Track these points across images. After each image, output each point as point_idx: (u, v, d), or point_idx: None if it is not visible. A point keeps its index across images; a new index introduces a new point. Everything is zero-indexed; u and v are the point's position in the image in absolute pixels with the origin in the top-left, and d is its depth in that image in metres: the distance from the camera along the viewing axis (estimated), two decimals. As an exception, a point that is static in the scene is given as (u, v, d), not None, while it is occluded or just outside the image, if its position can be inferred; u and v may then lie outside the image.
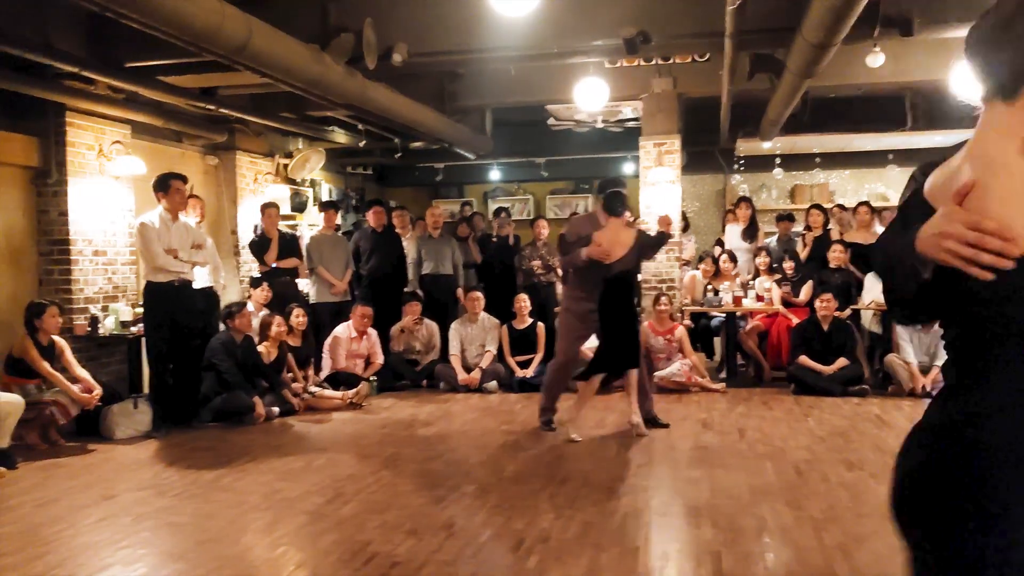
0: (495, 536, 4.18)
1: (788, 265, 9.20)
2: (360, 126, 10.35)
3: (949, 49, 7.86)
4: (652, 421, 6.71)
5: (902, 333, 8.05)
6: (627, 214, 6.82)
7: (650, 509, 4.66)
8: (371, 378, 8.46)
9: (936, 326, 7.85)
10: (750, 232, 9.94)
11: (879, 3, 5.80)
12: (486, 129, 11.07)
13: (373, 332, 8.73)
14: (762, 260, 9.37)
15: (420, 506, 4.71)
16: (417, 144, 10.93)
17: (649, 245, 6.73)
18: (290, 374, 7.99)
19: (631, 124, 10.87)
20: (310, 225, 10.84)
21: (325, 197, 11.50)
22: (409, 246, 9.96)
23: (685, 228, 10.52)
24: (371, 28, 6.54)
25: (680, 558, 3.93)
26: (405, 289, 9.63)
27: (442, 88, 9.48)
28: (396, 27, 6.84)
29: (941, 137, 10.70)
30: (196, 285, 7.42)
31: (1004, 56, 1.45)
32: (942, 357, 6.85)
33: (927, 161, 1.65)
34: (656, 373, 8.40)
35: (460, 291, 9.64)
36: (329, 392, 8.01)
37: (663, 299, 8.72)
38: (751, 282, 9.32)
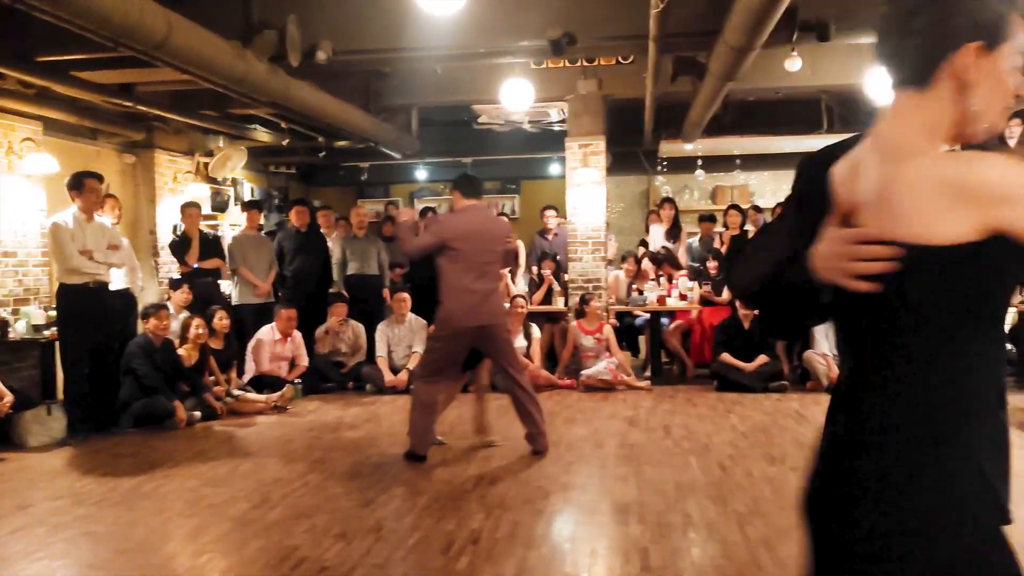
0: (425, 538, 4.16)
1: (711, 265, 9.39)
2: (283, 124, 10.19)
3: (863, 54, 8.13)
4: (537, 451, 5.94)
5: (819, 328, 8.28)
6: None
7: (579, 507, 4.70)
8: (296, 381, 8.34)
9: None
10: (673, 232, 10.11)
11: (797, 9, 5.96)
12: (412, 128, 11.02)
13: (297, 334, 8.61)
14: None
15: (349, 509, 4.67)
16: (342, 143, 10.82)
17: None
18: (212, 377, 7.82)
19: (557, 126, 10.95)
20: (232, 225, 10.64)
21: (247, 196, 11.30)
22: (334, 246, 9.85)
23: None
24: (295, 25, 6.44)
25: (608, 555, 3.98)
26: (330, 290, 9.52)
27: (368, 87, 9.40)
28: (321, 25, 6.76)
29: (855, 140, 11.04)
30: (113, 287, 7.20)
31: (914, 43, 1.45)
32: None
33: (808, 153, 1.68)
34: (583, 372, 8.51)
35: (386, 292, 9.58)
36: (252, 395, 7.86)
37: (590, 298, 8.83)
38: (676, 281, 9.48)
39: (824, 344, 8.23)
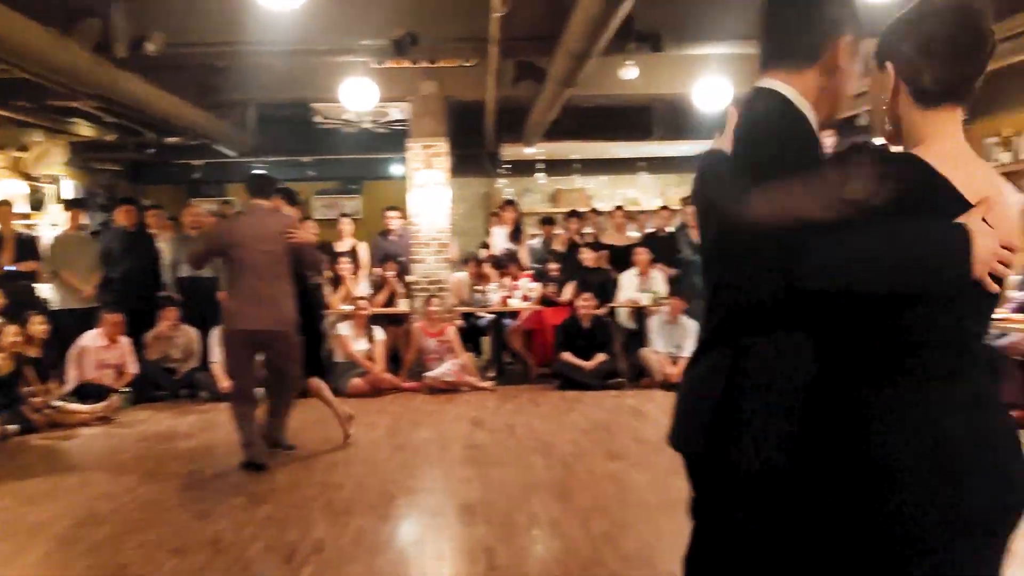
0: (266, 549, 4.03)
1: (552, 267, 9.57)
2: (108, 118, 9.63)
3: (692, 65, 8.51)
4: (278, 444, 5.96)
5: (654, 326, 8.63)
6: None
7: (425, 510, 4.69)
8: (123, 389, 7.91)
9: (682, 318, 8.44)
10: (515, 234, 10.25)
11: (633, 19, 6.17)
12: (249, 125, 10.66)
13: (125, 340, 8.15)
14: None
15: (184, 522, 4.46)
16: (174, 139, 10.33)
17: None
18: (29, 388, 7.28)
19: (400, 126, 10.87)
20: (52, 225, 9.95)
21: (68, 195, 10.60)
22: (165, 247, 9.40)
23: None
24: (122, 14, 6.10)
25: (455, 556, 3.98)
26: (161, 293, 9.08)
27: (203, 81, 9.01)
28: (152, 15, 6.45)
29: (685, 146, 11.58)
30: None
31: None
32: (689, 349, 7.35)
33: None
34: (427, 373, 8.49)
35: (223, 294, 9.21)
36: (75, 406, 7.37)
37: (435, 300, 8.82)
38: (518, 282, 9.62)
39: (659, 342, 8.56)
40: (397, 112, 10.37)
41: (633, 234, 10.32)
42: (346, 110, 9.80)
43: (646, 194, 13.10)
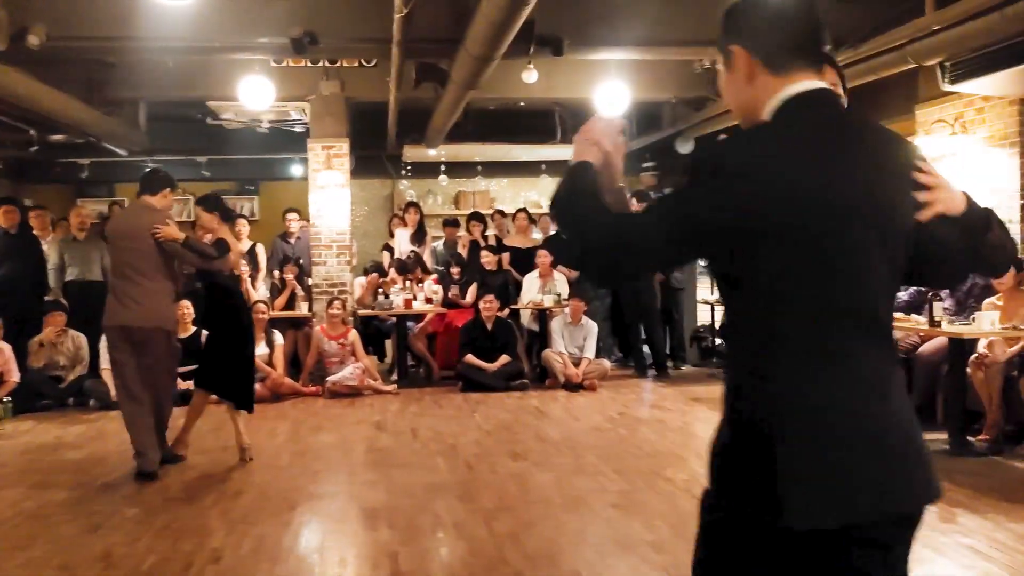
0: (161, 561, 3.90)
1: (455, 270, 9.56)
2: (-13, 114, 9.16)
3: (594, 69, 8.65)
4: (170, 458, 5.70)
5: (556, 328, 8.72)
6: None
7: (327, 516, 4.62)
8: (4, 399, 7.53)
9: (584, 320, 8.56)
10: (418, 236, 10.20)
11: (534, 24, 6.23)
12: (140, 123, 10.30)
13: (6, 346, 7.76)
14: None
15: (72, 537, 4.27)
16: (58, 137, 9.88)
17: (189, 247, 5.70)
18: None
19: (299, 126, 10.69)
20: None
21: (-58, 193, 10.03)
22: (50, 250, 9.00)
23: None
24: (2, 4, 5.82)
25: (358, 562, 3.94)
26: (46, 297, 8.68)
27: (90, 77, 8.67)
28: (34, 6, 6.16)
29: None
30: None
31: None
32: (591, 350, 7.44)
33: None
34: (329, 378, 8.38)
35: (112, 298, 8.88)
36: (-48, 417, 7.00)
37: (336, 303, 8.70)
38: (420, 285, 9.57)
39: (560, 343, 8.66)
40: (296, 112, 10.20)
41: (536, 236, 10.41)
42: (243, 109, 9.59)
43: (548, 197, 13.19)
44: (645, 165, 12.70)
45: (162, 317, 5.54)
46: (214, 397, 5.91)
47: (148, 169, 5.84)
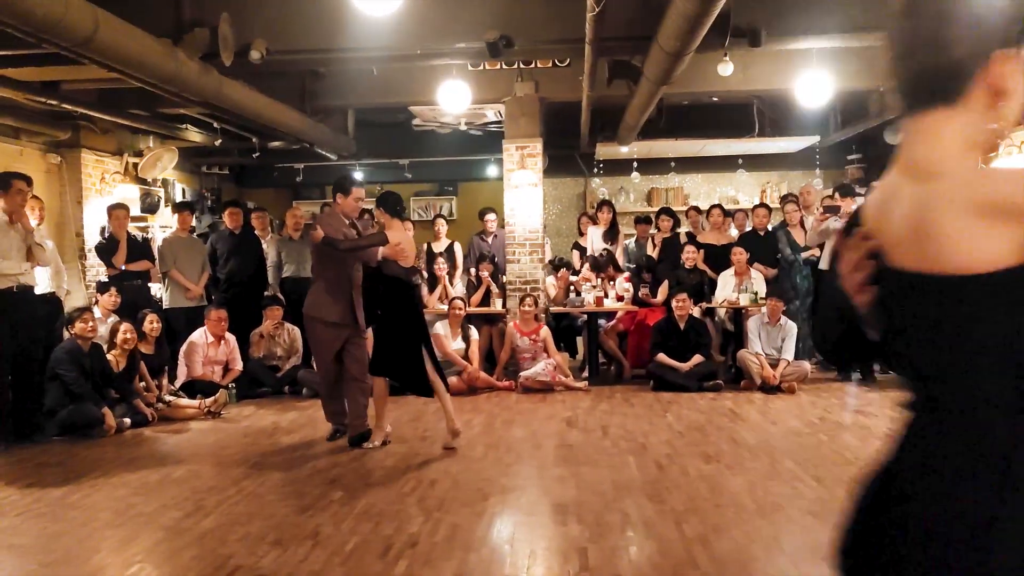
0: (363, 543, 4.12)
1: (647, 276, 9.49)
2: (216, 124, 10.01)
3: (793, 59, 8.32)
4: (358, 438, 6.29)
5: (752, 328, 8.44)
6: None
7: (518, 508, 4.71)
8: (229, 385, 8.19)
9: (782, 320, 8.26)
10: (611, 234, 10.16)
11: (730, 15, 6.06)
12: (348, 129, 10.92)
13: (231, 337, 8.45)
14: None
15: (285, 516, 4.59)
16: (277, 144, 10.66)
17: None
18: (143, 383, 7.63)
19: (494, 127, 10.96)
20: (163, 227, 10.40)
21: (179, 198, 11.06)
22: (269, 248, 9.70)
23: None
24: (228, 23, 6.33)
25: (547, 555, 3.99)
26: (266, 293, 9.38)
27: (303, 87, 9.29)
28: (255, 23, 6.66)
29: (785, 143, 11.33)
30: (37, 291, 6.99)
31: (945, 58, 1.36)
32: (789, 351, 7.13)
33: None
34: (522, 373, 8.53)
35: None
36: (185, 401, 7.69)
37: (528, 300, 8.85)
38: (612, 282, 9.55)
39: (757, 343, 8.38)
40: (492, 113, 10.46)
41: (732, 233, 10.14)
42: (442, 112, 9.94)
43: (744, 192, 12.86)
44: (851, 157, 12.10)
45: (312, 306, 6.35)
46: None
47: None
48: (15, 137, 8.54)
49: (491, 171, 12.71)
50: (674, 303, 8.55)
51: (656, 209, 11.23)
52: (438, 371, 6.20)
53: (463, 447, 6.09)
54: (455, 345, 8.64)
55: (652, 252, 9.98)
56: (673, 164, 12.54)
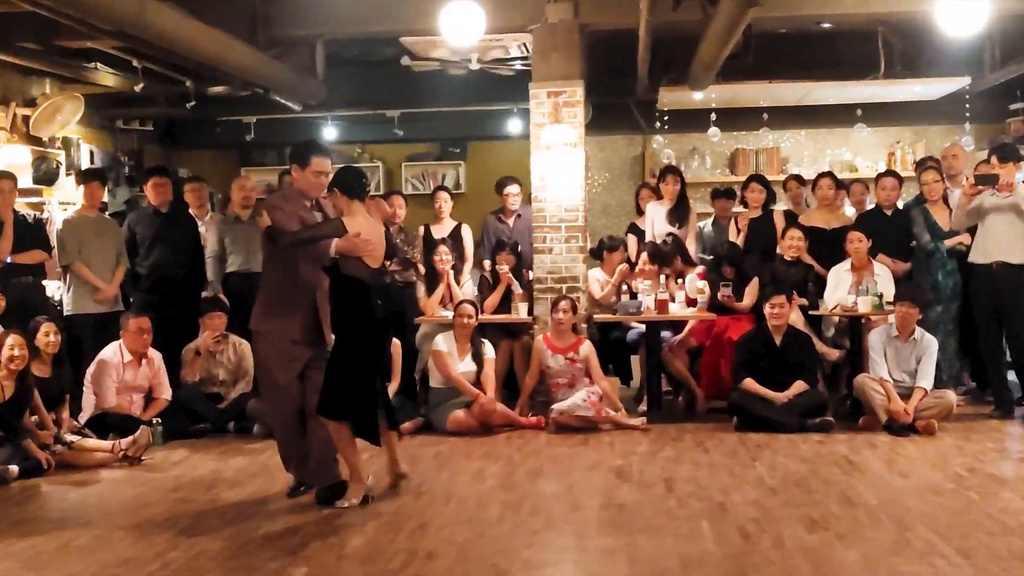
0: (335, 637, 4.14)
1: (727, 270, 9.38)
2: (136, 63, 10.07)
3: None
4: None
5: (875, 343, 8.40)
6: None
7: (548, 592, 4.72)
8: (154, 420, 8.26)
9: (917, 333, 8.22)
10: (678, 213, 10.11)
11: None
12: (317, 69, 10.94)
13: (156, 355, 8.51)
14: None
15: (228, 599, 4.63)
16: (218, 89, 10.72)
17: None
18: (35, 417, 7.71)
19: (518, 66, 10.94)
20: (63, 204, 10.48)
21: (85, 164, 11.15)
22: (209, 233, 9.76)
23: None
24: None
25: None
26: (203, 294, 9.43)
27: (254, 9, 9.31)
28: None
29: (922, 87, 11.24)
30: None
31: None
32: (927, 376, 7.09)
33: None
34: (555, 405, 8.51)
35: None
36: (93, 441, 7.76)
37: (563, 304, 8.82)
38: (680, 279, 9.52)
39: (882, 366, 8.33)
40: (515, 47, 10.44)
41: (847, 212, 10.08)
42: (446, 46, 9.93)
43: (865, 156, 12.79)
44: (1014, 107, 12.00)
45: (261, 317, 6.46)
46: None
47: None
48: None
49: (513, 126, 12.72)
50: (767, 309, 8.52)
51: (742, 179, 11.17)
52: (388, 413, 6.41)
53: (473, 506, 6.09)
54: (462, 367, 8.65)
55: (736, 238, 9.94)
56: (766, 116, 12.47)
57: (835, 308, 8.97)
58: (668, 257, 9.48)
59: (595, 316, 9.51)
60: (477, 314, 8.92)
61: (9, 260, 8.56)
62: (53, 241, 9.03)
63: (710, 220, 10.59)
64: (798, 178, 10.93)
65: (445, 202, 10.33)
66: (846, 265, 9.03)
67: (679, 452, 7.65)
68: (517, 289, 9.47)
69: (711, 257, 9.82)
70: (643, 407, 9.15)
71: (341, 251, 6.12)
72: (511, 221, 10.21)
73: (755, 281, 9.23)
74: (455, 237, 9.97)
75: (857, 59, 10.88)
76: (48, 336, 7.88)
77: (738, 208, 10.40)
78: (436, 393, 8.68)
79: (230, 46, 8.64)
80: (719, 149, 13.02)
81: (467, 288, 9.67)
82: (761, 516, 5.80)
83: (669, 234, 9.80)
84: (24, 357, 7.50)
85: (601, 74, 10.61)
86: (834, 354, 9.08)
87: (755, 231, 9.80)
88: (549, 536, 5.57)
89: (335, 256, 6.14)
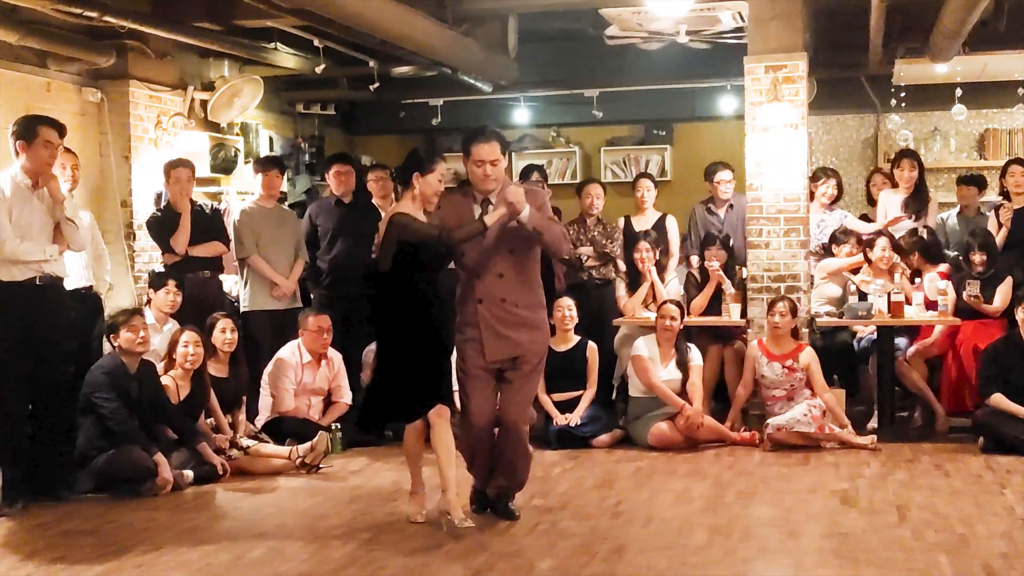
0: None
1: (978, 257, 9.08)
2: (317, 42, 10.35)
3: None
4: (503, 508, 6.52)
5: None
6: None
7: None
8: (333, 426, 8.48)
9: None
10: (916, 202, 9.89)
11: None
12: (509, 46, 11.06)
13: (336, 356, 8.73)
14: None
15: (407, 621, 4.72)
16: (403, 70, 10.94)
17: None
18: (211, 420, 7.99)
19: (731, 38, 10.83)
20: (241, 193, 10.84)
21: (264, 151, 11.51)
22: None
23: None
24: None
25: None
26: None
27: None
28: None
29: None
30: (69, 284, 7.42)
31: None
32: None
33: None
34: (771, 419, 8.41)
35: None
36: (270, 447, 8.01)
37: (781, 306, 8.69)
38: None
39: None
40: (728, 17, 10.34)
41: None
42: (652, 16, 9.91)
43: None
44: None
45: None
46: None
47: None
48: (41, 65, 9.06)
49: (725, 106, 12.59)
50: (1020, 314, 8.24)
51: (991, 163, 10.82)
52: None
53: (674, 530, 6.06)
54: (665, 374, 8.62)
55: (996, 233, 9.57)
56: (1021, 92, 12.05)
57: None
58: (907, 252, 9.24)
59: (819, 320, 9.33)
60: (683, 316, 8.88)
61: (187, 253, 8.82)
62: (231, 233, 9.32)
63: (954, 211, 10.28)
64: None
65: (648, 191, 10.31)
66: None
67: (914, 476, 7.49)
68: (728, 288, 9.42)
69: (955, 254, 9.51)
70: (873, 423, 8.99)
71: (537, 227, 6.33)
72: (722, 212, 10.14)
73: (1008, 280, 8.92)
74: (659, 229, 9.94)
75: None
76: (225, 333, 8.16)
77: (989, 197, 10.01)
78: (636, 403, 8.67)
79: (416, 22, 8.79)
80: (965, 129, 12.62)
81: (672, 287, 9.63)
82: (1010, 551, 5.63)
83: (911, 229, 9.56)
84: (200, 355, 7.80)
85: (827, 45, 10.43)
86: None
87: (1020, 224, 9.40)
88: (761, 566, 5.53)
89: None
